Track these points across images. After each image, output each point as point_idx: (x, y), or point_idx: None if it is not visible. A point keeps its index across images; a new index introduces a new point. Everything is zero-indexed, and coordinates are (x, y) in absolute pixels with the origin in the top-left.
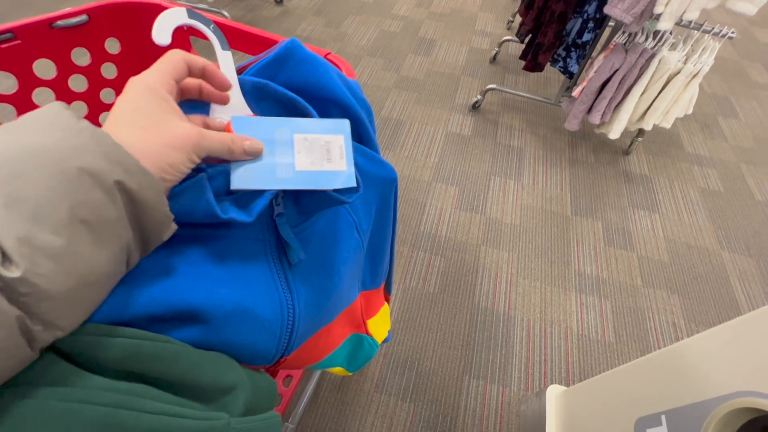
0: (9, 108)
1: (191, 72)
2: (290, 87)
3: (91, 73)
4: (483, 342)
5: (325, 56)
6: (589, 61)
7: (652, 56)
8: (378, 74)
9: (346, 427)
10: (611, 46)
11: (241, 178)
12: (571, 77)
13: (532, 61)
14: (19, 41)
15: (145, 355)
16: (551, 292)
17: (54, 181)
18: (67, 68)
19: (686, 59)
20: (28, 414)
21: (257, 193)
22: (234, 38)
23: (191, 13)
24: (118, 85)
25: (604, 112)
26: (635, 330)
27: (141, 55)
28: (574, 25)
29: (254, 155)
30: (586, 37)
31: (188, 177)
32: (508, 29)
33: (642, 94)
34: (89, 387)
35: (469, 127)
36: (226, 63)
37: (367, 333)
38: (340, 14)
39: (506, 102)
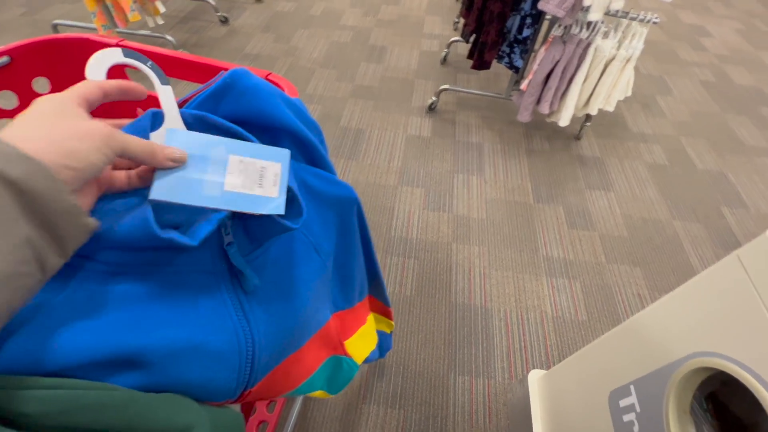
0: None
1: (107, 94)
2: (234, 119)
3: None
4: (464, 338)
5: (265, 77)
6: (533, 54)
7: (588, 46)
8: (333, 85)
9: None
10: (550, 39)
11: (163, 189)
12: (518, 72)
13: (479, 59)
14: None
15: (85, 406)
16: (523, 279)
17: None
18: None
19: (619, 46)
20: None
21: (202, 219)
22: (179, 69)
23: (127, 52)
24: None
25: (551, 101)
26: (605, 305)
27: None
28: (514, 22)
29: (178, 162)
30: (526, 32)
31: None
32: (455, 30)
33: (584, 81)
34: None
35: (428, 129)
36: (166, 97)
37: (345, 354)
38: (288, 29)
39: (461, 101)
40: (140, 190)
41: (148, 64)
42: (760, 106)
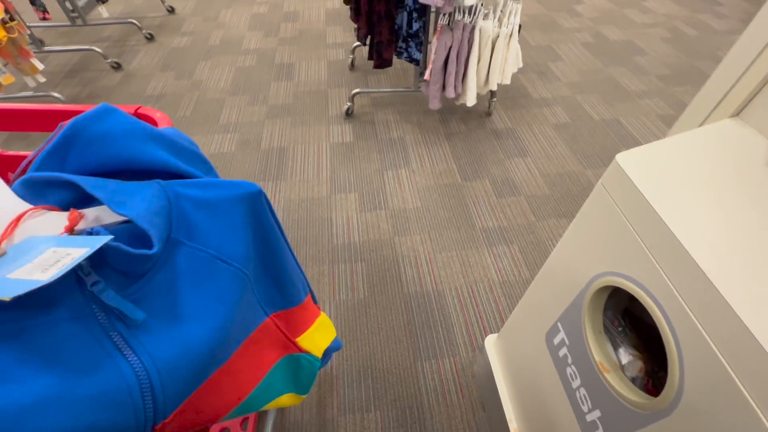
0: None
1: None
2: (87, 171)
3: None
4: (423, 324)
5: (135, 112)
6: (428, 45)
7: (473, 28)
8: (247, 110)
9: None
10: (439, 29)
11: None
12: (419, 64)
13: (379, 58)
14: None
15: None
16: (467, 255)
17: None
18: None
19: (500, 24)
20: None
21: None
22: (22, 120)
23: None
24: None
25: (455, 85)
26: (543, 260)
27: None
28: (402, 18)
29: None
30: (415, 26)
31: None
32: (356, 35)
33: (478, 62)
34: None
35: (350, 134)
36: None
37: (302, 351)
38: (188, 64)
39: (375, 101)
40: None
41: None
42: (633, 56)
